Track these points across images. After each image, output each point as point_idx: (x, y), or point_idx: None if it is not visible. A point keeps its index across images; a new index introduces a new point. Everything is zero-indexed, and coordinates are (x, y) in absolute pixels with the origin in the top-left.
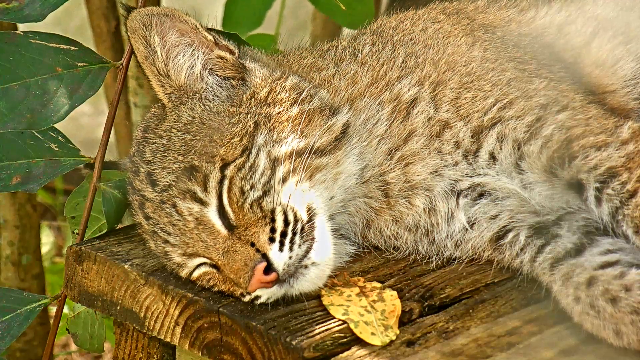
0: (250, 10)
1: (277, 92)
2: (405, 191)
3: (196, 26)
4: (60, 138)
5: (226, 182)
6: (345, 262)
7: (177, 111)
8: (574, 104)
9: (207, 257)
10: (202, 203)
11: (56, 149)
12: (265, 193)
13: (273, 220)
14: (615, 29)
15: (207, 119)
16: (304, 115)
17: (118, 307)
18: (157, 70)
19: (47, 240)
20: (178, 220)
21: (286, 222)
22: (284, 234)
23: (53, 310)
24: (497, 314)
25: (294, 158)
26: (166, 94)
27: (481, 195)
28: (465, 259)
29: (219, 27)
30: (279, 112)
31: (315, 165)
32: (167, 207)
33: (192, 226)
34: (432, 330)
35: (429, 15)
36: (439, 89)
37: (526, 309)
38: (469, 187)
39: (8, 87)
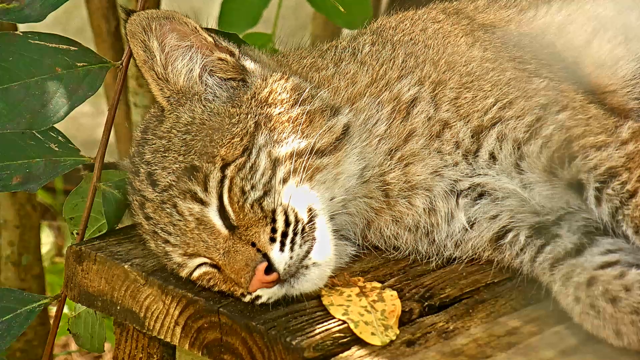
0: (246, 9)
1: (278, 92)
2: (405, 191)
3: (196, 28)
4: (60, 138)
5: (227, 182)
6: (346, 263)
7: (176, 112)
8: (574, 104)
9: (208, 257)
10: (203, 203)
11: (56, 149)
12: (266, 193)
13: (274, 220)
14: (616, 29)
15: (207, 120)
16: (305, 116)
17: (118, 307)
18: (156, 74)
19: (47, 240)
20: (178, 220)
21: (287, 223)
22: (284, 234)
23: (53, 310)
24: (497, 314)
25: (294, 159)
26: (165, 97)
27: (481, 195)
28: (465, 259)
29: (214, 26)
30: (279, 113)
31: (316, 166)
32: (167, 207)
33: (192, 226)
34: (432, 330)
35: (428, 15)
36: (439, 89)
37: (526, 309)
38: (469, 187)
39: (8, 88)
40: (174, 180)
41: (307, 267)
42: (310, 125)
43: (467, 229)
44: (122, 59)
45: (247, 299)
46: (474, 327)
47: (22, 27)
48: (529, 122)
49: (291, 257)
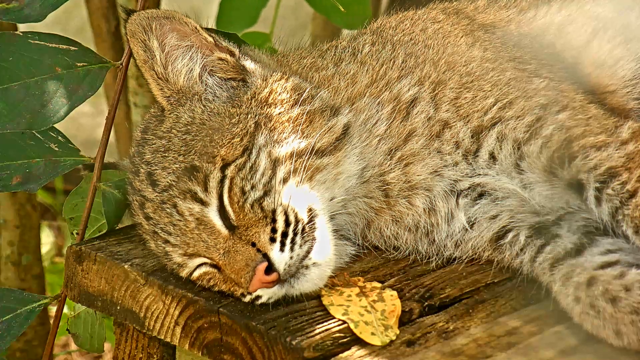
0: (245, 8)
1: (278, 92)
2: (405, 191)
3: (196, 28)
4: (60, 138)
5: (227, 182)
6: (346, 263)
7: (176, 112)
8: (574, 104)
9: (208, 257)
10: (203, 203)
11: (56, 149)
12: (266, 193)
13: (274, 220)
14: (615, 29)
15: (207, 120)
16: (305, 116)
17: (118, 307)
18: (156, 74)
19: (47, 240)
20: (179, 220)
21: (287, 223)
22: (284, 235)
23: (53, 310)
24: (497, 314)
25: (294, 159)
26: (165, 97)
27: (481, 195)
28: (465, 259)
29: (213, 26)
30: (279, 113)
31: (316, 166)
32: (167, 208)
33: (192, 226)
34: (432, 330)
35: (428, 15)
36: (439, 89)
37: (526, 309)
38: (469, 187)
39: (7, 88)
40: (174, 180)
41: (307, 267)
42: (310, 125)
43: (467, 229)
44: (122, 59)
45: (247, 299)
46: (474, 327)
47: (22, 27)
48: (529, 122)
49: (291, 257)
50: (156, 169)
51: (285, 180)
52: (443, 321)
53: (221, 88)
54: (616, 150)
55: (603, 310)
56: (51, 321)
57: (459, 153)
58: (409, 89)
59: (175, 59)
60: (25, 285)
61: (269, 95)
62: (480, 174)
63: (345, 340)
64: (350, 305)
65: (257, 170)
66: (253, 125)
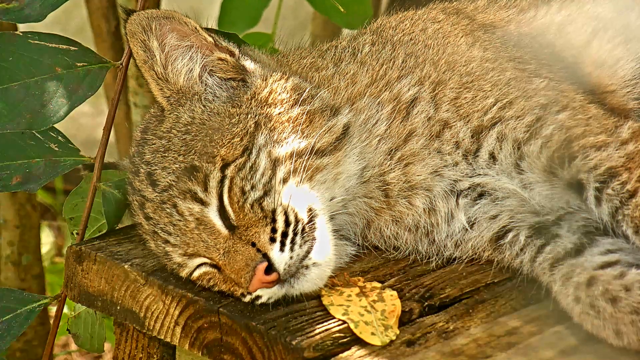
0: (246, 9)
1: (278, 92)
2: (405, 191)
3: (196, 28)
4: (60, 138)
5: (227, 182)
6: (346, 263)
7: (176, 112)
8: (574, 104)
9: (208, 257)
10: (203, 203)
11: (56, 149)
12: (266, 193)
13: (274, 220)
14: (615, 29)
15: (207, 120)
16: (305, 116)
17: (118, 307)
18: (156, 74)
19: (47, 240)
20: (178, 220)
21: (287, 223)
22: (284, 235)
23: (53, 310)
24: (497, 314)
25: (294, 159)
26: (165, 97)
27: (481, 195)
28: (465, 259)
29: (214, 26)
30: (279, 113)
31: (316, 166)
32: (167, 208)
33: (192, 226)
34: (432, 330)
35: (428, 15)
36: (439, 89)
37: (526, 309)
38: (469, 187)
39: (7, 88)
40: (174, 180)
41: (307, 267)
42: (310, 125)
43: (467, 229)
44: (122, 59)
45: (247, 299)
46: (474, 327)
47: (22, 27)
48: (529, 122)
49: (291, 257)
50: (156, 169)
51: (285, 180)
52: (443, 321)
53: (221, 88)
54: (616, 150)
55: (603, 310)
56: (51, 321)
57: (459, 153)
58: (409, 89)
59: (175, 59)
60: (25, 285)
61: (268, 95)
62: (480, 174)
63: (345, 340)
64: (350, 305)
65: (257, 170)
66: (253, 125)
